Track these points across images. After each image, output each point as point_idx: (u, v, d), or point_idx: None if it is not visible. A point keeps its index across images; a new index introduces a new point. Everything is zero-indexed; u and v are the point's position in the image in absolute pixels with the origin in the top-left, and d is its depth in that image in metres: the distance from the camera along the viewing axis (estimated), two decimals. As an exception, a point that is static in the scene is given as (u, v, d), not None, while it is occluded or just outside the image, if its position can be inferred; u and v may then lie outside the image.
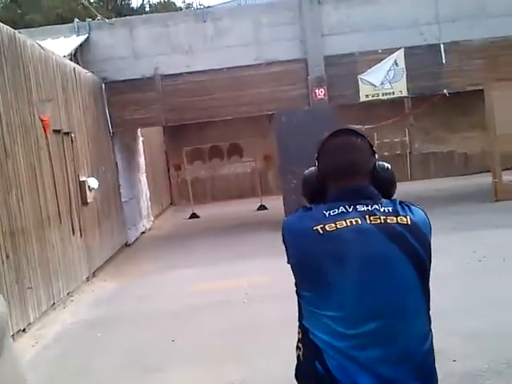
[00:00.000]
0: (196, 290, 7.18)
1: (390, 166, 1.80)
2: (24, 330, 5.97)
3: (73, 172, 8.37)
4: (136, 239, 12.10)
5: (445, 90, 11.33)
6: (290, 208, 11.32)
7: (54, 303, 6.88)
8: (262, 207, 14.91)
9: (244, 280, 7.21)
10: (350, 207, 1.66)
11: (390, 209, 1.70)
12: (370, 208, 1.67)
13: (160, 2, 30.86)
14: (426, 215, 1.76)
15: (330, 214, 1.65)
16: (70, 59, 10.47)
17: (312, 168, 1.84)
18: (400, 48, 11.04)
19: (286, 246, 1.74)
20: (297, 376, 1.73)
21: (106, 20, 11.45)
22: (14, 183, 6.20)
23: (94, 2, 27.34)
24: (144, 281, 8.22)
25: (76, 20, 11.45)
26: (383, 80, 11.10)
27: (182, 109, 11.44)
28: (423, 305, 1.65)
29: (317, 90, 11.10)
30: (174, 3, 31.17)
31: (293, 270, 1.72)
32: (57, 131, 7.90)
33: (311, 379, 1.63)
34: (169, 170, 19.19)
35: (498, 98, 10.96)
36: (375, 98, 11.31)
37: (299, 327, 1.71)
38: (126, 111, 11.39)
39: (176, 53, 11.34)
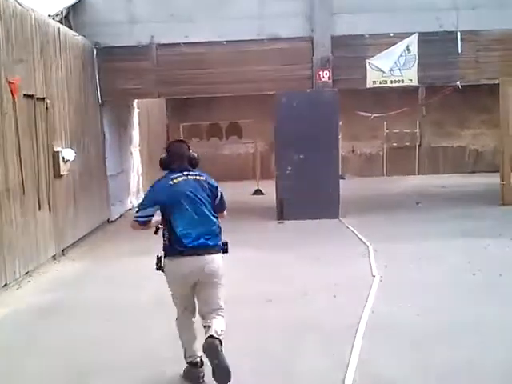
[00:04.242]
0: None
1: (196, 154, 4.01)
2: (-36, 312, 5.45)
3: (45, 141, 7.76)
4: (120, 216, 11.53)
5: (458, 82, 10.55)
6: (282, 194, 10.69)
7: (6, 284, 6.33)
8: (258, 192, 14.29)
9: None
10: (181, 173, 3.85)
11: (197, 173, 3.91)
12: (190, 173, 3.88)
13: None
14: (214, 181, 3.99)
15: (174, 176, 3.84)
16: (60, 20, 9.83)
17: (163, 155, 4.01)
18: (413, 33, 10.25)
19: (153, 193, 3.87)
20: (165, 250, 3.80)
21: (103, -19, 10.71)
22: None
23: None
24: (114, 264, 7.65)
25: (71, -21, 10.73)
26: (393, 66, 10.33)
27: (176, 82, 10.76)
28: (211, 210, 3.86)
29: (321, 72, 10.36)
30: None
31: (161, 207, 3.80)
32: (29, 96, 7.28)
33: (174, 248, 3.72)
34: (169, 145, 18.55)
35: (515, 95, 10.19)
36: (383, 84, 10.56)
37: (166, 225, 3.79)
38: (118, 80, 10.73)
39: (175, 21, 10.61)
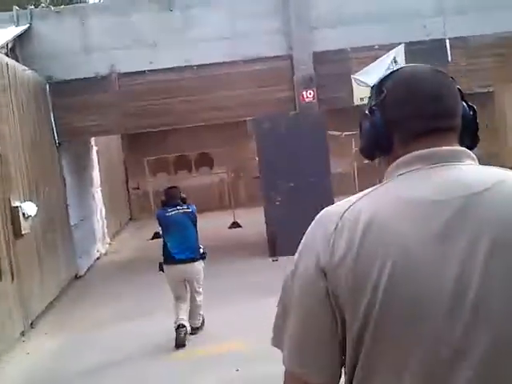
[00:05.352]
0: (164, 359, 5.40)
1: (184, 195, 6.60)
2: None
3: (0, 196, 6.45)
4: (88, 268, 10.14)
5: (450, 92, 9.81)
6: (273, 229, 9.65)
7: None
8: (236, 224, 13.15)
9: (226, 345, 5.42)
10: (175, 207, 6.01)
11: (185, 207, 5.98)
12: (180, 207, 6.00)
13: None
14: (194, 208, 6.05)
15: (170, 209, 5.97)
16: (6, 53, 8.56)
17: (163, 197, 6.37)
18: (400, 43, 9.45)
19: (159, 221, 6.03)
20: (164, 258, 5.87)
21: (52, 7, 9.51)
22: None
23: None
24: (94, 338, 6.34)
25: (15, 7, 9.47)
26: (381, 80, 9.48)
27: (142, 114, 9.59)
28: (193, 231, 5.93)
29: (304, 92, 9.43)
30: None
31: (161, 229, 6.09)
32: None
33: (169, 258, 5.79)
34: (127, 182, 17.23)
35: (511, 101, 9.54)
36: (371, 101, 9.69)
37: (163, 241, 5.98)
38: (76, 117, 9.47)
39: (137, 47, 9.48)
